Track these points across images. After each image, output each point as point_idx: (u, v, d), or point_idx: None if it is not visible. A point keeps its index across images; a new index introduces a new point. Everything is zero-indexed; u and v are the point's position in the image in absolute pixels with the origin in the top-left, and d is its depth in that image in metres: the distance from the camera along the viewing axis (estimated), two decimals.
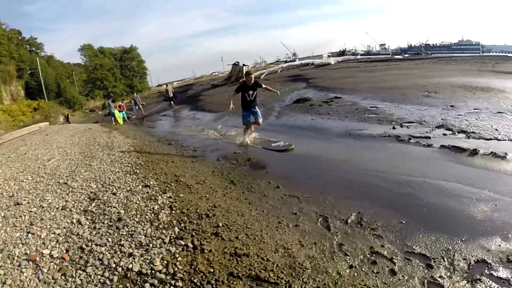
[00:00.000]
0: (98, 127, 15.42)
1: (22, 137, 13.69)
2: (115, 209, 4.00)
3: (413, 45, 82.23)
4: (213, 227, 3.35)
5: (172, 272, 2.64)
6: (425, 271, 2.62)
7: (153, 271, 2.67)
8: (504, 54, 55.25)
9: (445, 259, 2.75)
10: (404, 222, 3.38)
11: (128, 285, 2.58)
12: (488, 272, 2.60)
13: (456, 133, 6.30)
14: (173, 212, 3.76)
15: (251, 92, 7.21)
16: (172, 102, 21.43)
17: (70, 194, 4.74)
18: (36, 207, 4.31)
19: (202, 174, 5.40)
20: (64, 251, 3.16)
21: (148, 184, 4.80)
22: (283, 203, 4.03)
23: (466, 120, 7.05)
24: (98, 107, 43.00)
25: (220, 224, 3.39)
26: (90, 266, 2.87)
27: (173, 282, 2.54)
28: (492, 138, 5.82)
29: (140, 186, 4.74)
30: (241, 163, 5.97)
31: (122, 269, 2.77)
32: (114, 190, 4.70)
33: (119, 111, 18.14)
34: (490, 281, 2.50)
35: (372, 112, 8.82)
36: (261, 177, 5.04)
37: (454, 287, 2.44)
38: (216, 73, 59.76)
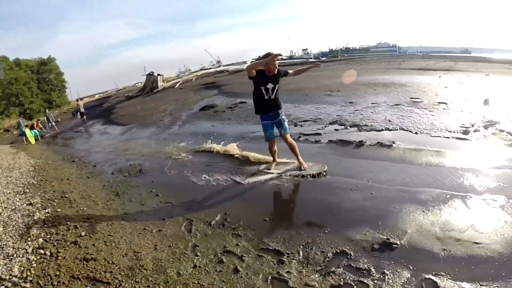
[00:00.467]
0: (7, 148, 14.83)
1: None
2: None
3: (333, 49, 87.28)
4: (76, 237, 3.81)
5: (25, 276, 3.16)
6: (274, 267, 2.71)
7: (10, 276, 3.19)
8: (413, 53, 61.19)
9: (301, 253, 2.83)
10: (267, 220, 3.57)
11: None
12: (346, 263, 2.62)
13: (348, 128, 6.72)
14: (45, 225, 4.23)
15: (270, 86, 4.65)
16: (84, 117, 21.70)
17: None
18: None
19: (91, 189, 5.83)
20: None
21: (32, 202, 5.19)
22: (157, 210, 4.36)
23: (361, 114, 7.67)
24: (13, 126, 39.55)
25: (83, 234, 3.85)
26: None
27: (23, 284, 3.04)
28: (384, 129, 6.29)
29: (25, 205, 5.11)
30: (132, 174, 6.36)
31: None
32: (0, 210, 5.02)
33: (31, 130, 17.46)
34: (346, 273, 2.51)
35: None
36: (146, 187, 5.40)
37: (300, 282, 2.49)
38: (140, 83, 58.15)
